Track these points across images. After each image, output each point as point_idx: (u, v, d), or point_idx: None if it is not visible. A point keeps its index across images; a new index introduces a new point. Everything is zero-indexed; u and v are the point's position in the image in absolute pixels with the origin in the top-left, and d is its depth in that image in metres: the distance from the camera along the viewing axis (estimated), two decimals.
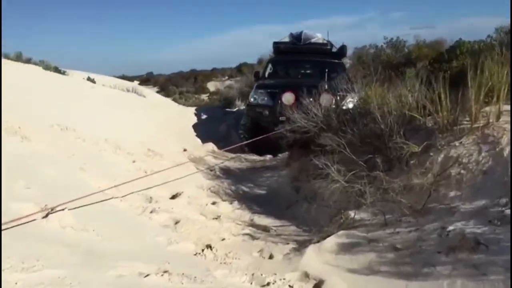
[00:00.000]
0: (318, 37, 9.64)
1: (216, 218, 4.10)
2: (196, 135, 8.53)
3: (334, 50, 9.57)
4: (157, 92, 26.63)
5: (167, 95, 25.46)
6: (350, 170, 4.00)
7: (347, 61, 10.24)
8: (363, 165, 4.04)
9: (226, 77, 37.83)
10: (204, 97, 30.07)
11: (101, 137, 5.57)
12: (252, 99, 8.08)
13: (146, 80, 42.28)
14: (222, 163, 6.90)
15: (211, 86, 35.51)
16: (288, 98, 7.53)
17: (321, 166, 4.15)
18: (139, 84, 27.36)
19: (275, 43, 9.89)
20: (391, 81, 5.97)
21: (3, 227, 2.29)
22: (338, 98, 6.27)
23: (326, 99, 6.47)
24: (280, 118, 6.95)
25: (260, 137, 6.69)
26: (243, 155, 7.43)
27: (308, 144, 5.30)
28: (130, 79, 31.63)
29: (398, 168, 3.98)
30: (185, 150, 6.92)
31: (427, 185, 3.51)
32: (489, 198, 3.14)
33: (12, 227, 2.40)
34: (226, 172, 6.41)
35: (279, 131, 6.07)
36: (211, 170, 6.38)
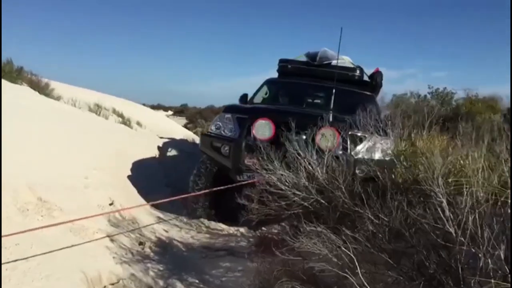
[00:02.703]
0: (344, 59, 6.89)
1: None
2: (151, 179, 6.07)
3: (365, 78, 6.93)
4: (186, 124, 26.45)
5: (194, 127, 25.75)
6: None
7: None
8: None
9: None
10: None
11: None
12: (213, 127, 5.21)
13: (180, 111, 43.80)
14: (166, 232, 4.47)
15: None
16: (262, 129, 4.76)
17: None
18: (173, 114, 28.86)
19: (281, 61, 7.15)
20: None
21: None
22: (353, 139, 4.15)
23: (326, 137, 4.24)
24: (247, 161, 4.56)
25: (208, 190, 4.62)
26: (207, 222, 4.99)
27: (292, 223, 2.93)
28: (165, 108, 35.32)
29: None
30: (111, 204, 4.49)
31: None
32: None
33: None
34: (164, 250, 4.08)
35: (242, 183, 4.02)
36: (139, 244, 3.98)
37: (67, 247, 3.35)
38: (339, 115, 4.24)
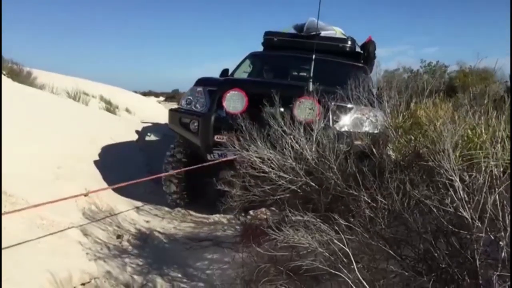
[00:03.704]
0: (335, 30, 6.33)
1: None
2: (131, 167, 5.66)
3: (357, 50, 6.36)
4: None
5: None
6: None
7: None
8: None
9: None
10: None
11: None
12: (183, 102, 4.69)
13: (172, 96, 42.83)
14: (147, 222, 4.13)
15: None
16: (234, 101, 4.26)
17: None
18: (165, 100, 28.86)
19: (266, 34, 6.54)
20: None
21: None
22: (337, 110, 3.73)
23: (305, 108, 3.84)
24: (216, 138, 4.13)
25: (176, 171, 4.24)
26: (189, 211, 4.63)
27: (279, 207, 2.61)
28: (157, 94, 34.56)
29: None
30: (86, 194, 4.11)
31: None
32: None
33: None
34: (144, 242, 3.74)
35: (212, 162, 3.66)
36: (117, 237, 3.65)
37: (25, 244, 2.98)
38: (326, 87, 3.81)
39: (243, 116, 3.71)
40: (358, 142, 3.00)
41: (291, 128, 2.82)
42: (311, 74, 4.46)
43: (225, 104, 4.24)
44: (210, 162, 3.87)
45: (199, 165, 3.67)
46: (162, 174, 4.29)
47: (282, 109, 3.67)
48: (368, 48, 6.19)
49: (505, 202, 1.45)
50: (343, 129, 3.69)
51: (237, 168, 3.04)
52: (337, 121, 3.80)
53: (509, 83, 7.44)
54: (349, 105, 3.76)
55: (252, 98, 4.19)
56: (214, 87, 4.49)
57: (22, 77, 11.53)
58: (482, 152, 1.72)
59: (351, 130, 3.65)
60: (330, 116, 3.56)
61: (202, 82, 4.69)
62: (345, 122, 3.88)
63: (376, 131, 3.16)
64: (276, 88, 3.91)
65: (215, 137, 4.12)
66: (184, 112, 4.54)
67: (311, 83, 4.05)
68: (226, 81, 4.84)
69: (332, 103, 3.68)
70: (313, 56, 4.57)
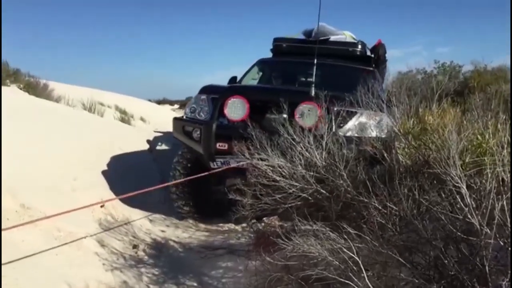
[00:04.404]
0: (345, 35, 6.27)
1: None
2: (145, 177, 5.68)
3: (368, 53, 6.28)
4: None
5: None
6: None
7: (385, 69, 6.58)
8: None
9: None
10: None
11: None
12: (187, 110, 4.65)
13: (185, 104, 44.74)
14: (162, 231, 4.18)
15: None
16: (235, 108, 4.20)
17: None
18: (179, 108, 29.25)
19: (275, 41, 6.47)
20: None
21: None
22: (341, 115, 3.62)
23: (306, 114, 3.81)
24: (218, 146, 4.10)
25: (179, 180, 4.22)
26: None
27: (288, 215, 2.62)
28: (171, 102, 34.70)
29: None
30: (102, 205, 4.19)
31: None
32: None
33: None
34: (159, 252, 3.80)
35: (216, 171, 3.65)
36: (133, 247, 3.70)
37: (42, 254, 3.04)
38: (333, 92, 3.75)
39: (245, 123, 3.72)
40: (363, 148, 2.97)
41: (301, 136, 2.82)
42: (313, 79, 4.39)
43: (226, 111, 4.19)
44: (213, 171, 3.86)
45: (202, 174, 3.66)
46: (167, 184, 4.28)
47: (285, 116, 3.67)
48: (378, 51, 6.14)
49: None
50: (347, 134, 3.64)
51: (244, 176, 3.06)
52: (340, 126, 3.71)
53: None
54: (353, 110, 3.68)
55: (254, 105, 4.16)
56: (218, 95, 4.45)
57: (38, 90, 11.77)
58: (487, 158, 1.71)
59: (356, 135, 3.59)
60: (333, 121, 3.49)
61: (206, 90, 4.64)
62: (349, 127, 3.82)
63: (383, 136, 3.13)
64: (278, 94, 3.89)
65: (217, 145, 4.09)
66: (187, 120, 4.51)
67: (313, 88, 4.04)
68: (227, 89, 4.81)
69: (335, 108, 3.62)
70: (315, 61, 4.47)
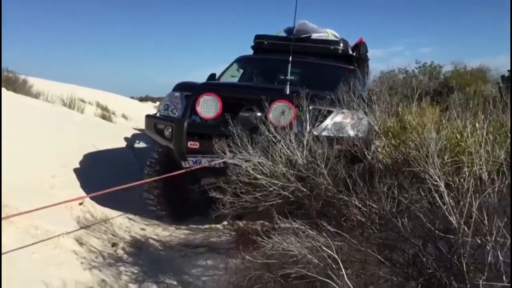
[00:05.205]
0: (327, 33, 6.20)
1: None
2: (126, 175, 5.55)
3: (350, 52, 6.22)
4: None
5: None
6: None
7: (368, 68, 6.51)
8: None
9: None
10: None
11: None
12: (161, 107, 4.52)
13: None
14: (142, 229, 4.13)
15: None
16: (207, 105, 4.09)
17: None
18: None
19: (257, 38, 6.39)
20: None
21: None
22: (316, 113, 3.53)
23: (279, 111, 3.72)
24: (190, 144, 3.99)
25: (152, 179, 4.10)
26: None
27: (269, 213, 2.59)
28: (153, 100, 33.89)
29: None
30: (81, 203, 4.11)
31: None
32: None
33: None
34: (138, 250, 3.72)
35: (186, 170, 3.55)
36: (112, 246, 3.64)
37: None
38: (312, 90, 3.69)
39: (216, 121, 3.64)
40: (339, 148, 2.94)
41: (282, 134, 2.79)
42: (289, 77, 4.31)
43: (198, 109, 4.09)
44: (181, 171, 3.77)
45: (171, 174, 3.56)
46: (142, 182, 4.17)
47: (259, 114, 3.63)
48: (359, 49, 6.14)
49: (490, 206, 1.46)
50: (323, 133, 3.57)
51: (220, 175, 3.01)
52: (315, 125, 3.58)
53: (501, 83, 7.46)
54: (329, 109, 3.63)
55: (227, 102, 4.08)
56: (190, 92, 4.33)
57: (17, 86, 11.52)
58: (466, 157, 1.72)
59: (332, 134, 3.56)
60: (308, 120, 3.37)
61: (180, 87, 4.53)
62: (324, 126, 3.73)
63: (360, 135, 3.11)
64: (251, 92, 3.83)
65: (189, 143, 3.99)
66: (159, 118, 4.40)
67: (288, 86, 3.97)
68: (200, 86, 4.62)
69: (310, 107, 3.50)
70: (290, 59, 4.41)
